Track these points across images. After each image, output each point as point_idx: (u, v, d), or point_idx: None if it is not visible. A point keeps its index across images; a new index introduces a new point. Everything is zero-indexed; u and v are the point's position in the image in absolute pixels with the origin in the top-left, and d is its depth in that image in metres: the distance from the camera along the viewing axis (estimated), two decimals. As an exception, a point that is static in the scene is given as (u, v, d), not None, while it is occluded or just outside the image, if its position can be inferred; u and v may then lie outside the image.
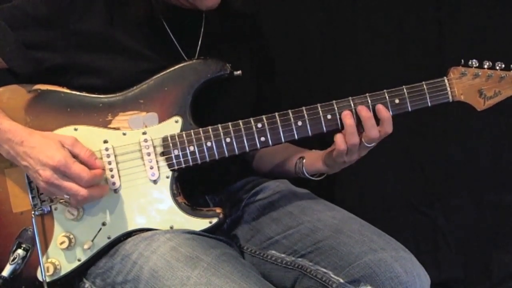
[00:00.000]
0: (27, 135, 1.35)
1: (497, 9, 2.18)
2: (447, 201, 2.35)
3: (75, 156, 1.35)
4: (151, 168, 1.43)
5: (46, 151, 1.32)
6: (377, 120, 1.45)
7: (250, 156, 1.81)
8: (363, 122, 1.44)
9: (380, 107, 1.44)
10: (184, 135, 1.44)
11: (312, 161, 1.59)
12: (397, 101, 1.46)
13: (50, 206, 1.42)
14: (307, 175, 1.60)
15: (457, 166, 2.33)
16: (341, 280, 1.37)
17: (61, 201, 1.36)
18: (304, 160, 1.60)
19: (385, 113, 1.44)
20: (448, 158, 2.33)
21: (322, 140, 1.53)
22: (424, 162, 2.33)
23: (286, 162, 1.68)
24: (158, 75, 1.47)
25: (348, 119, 1.44)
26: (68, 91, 1.46)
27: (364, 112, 1.44)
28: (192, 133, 1.44)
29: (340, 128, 1.46)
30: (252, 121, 1.45)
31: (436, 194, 2.35)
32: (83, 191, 1.32)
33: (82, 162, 1.34)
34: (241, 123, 1.44)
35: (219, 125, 1.44)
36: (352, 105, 1.45)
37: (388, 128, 1.45)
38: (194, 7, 1.51)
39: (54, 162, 1.30)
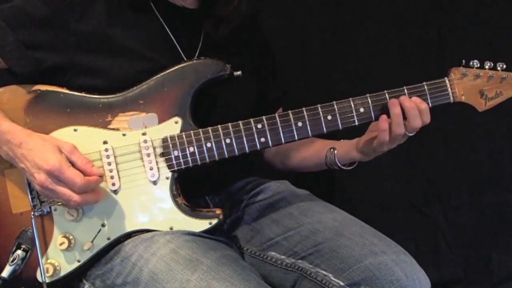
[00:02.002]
0: (26, 137, 1.34)
1: (498, 9, 2.18)
2: (447, 201, 2.35)
3: (72, 163, 1.34)
4: (151, 169, 1.43)
5: (42, 154, 1.31)
6: None
7: (270, 152, 1.82)
8: (407, 113, 1.43)
9: (415, 99, 1.45)
10: (184, 135, 1.43)
11: (345, 150, 1.59)
12: (398, 101, 1.46)
13: (50, 207, 1.41)
14: (339, 165, 1.60)
15: (457, 166, 2.33)
16: (341, 283, 1.37)
17: (58, 204, 1.36)
18: (335, 151, 1.60)
19: (421, 104, 1.44)
20: (448, 158, 2.33)
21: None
22: (424, 162, 2.33)
23: (315, 154, 1.68)
24: (158, 75, 1.46)
25: (395, 108, 1.43)
26: (67, 91, 1.45)
27: (408, 103, 1.44)
28: (192, 134, 1.43)
29: (341, 129, 1.46)
30: (252, 121, 1.44)
31: (436, 194, 2.35)
32: (75, 197, 1.31)
33: (78, 169, 1.33)
34: (241, 124, 1.44)
35: (219, 126, 1.44)
36: (353, 105, 1.45)
37: (427, 118, 1.45)
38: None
39: (48, 166, 1.29)
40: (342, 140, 1.63)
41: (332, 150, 1.61)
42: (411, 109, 1.43)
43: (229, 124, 1.44)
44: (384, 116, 1.45)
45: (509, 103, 1.52)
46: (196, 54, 1.57)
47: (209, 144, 1.44)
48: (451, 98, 1.48)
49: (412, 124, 1.43)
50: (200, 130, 1.44)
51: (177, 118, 1.45)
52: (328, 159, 1.62)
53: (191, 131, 1.44)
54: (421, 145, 2.29)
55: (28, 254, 1.40)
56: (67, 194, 1.31)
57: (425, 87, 1.46)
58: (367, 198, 2.32)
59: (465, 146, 2.32)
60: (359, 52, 2.24)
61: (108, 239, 1.41)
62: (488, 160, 2.33)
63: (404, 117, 1.44)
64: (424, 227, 2.36)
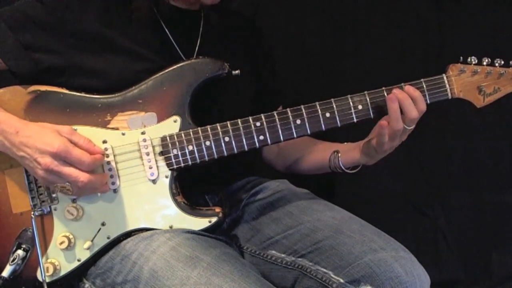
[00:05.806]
0: (22, 125, 1.35)
1: (496, 7, 2.18)
2: (447, 201, 2.35)
3: (74, 144, 1.34)
4: (150, 168, 1.43)
5: (43, 138, 1.31)
6: None
7: (272, 154, 1.82)
8: (401, 105, 1.42)
9: (408, 88, 1.44)
10: (182, 134, 1.44)
11: (348, 153, 1.58)
12: (396, 98, 1.45)
13: (50, 207, 1.42)
14: (343, 168, 1.59)
15: (457, 166, 2.34)
16: (341, 280, 1.37)
17: (63, 187, 1.34)
18: (339, 154, 1.59)
19: (414, 92, 1.43)
20: (448, 158, 2.33)
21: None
22: (424, 162, 2.34)
23: (318, 157, 1.68)
24: (157, 75, 1.47)
25: (394, 103, 1.42)
26: (67, 91, 1.46)
27: (400, 94, 1.42)
28: (191, 133, 1.44)
29: (339, 126, 1.46)
30: (250, 120, 1.44)
31: (436, 194, 2.36)
32: (83, 176, 1.31)
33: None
34: (239, 122, 1.44)
35: (218, 124, 1.44)
36: (351, 103, 1.46)
37: (422, 105, 1.44)
38: (198, 3, 1.53)
39: (53, 149, 1.29)
40: (345, 143, 1.63)
41: (336, 153, 1.60)
42: (404, 100, 1.42)
43: (228, 123, 1.44)
44: (384, 123, 1.43)
45: (509, 104, 1.53)
46: (195, 53, 1.57)
47: (208, 143, 1.44)
48: (449, 94, 1.48)
49: (408, 115, 1.42)
50: (199, 128, 1.44)
51: (176, 117, 1.45)
52: (332, 162, 1.61)
53: (190, 130, 1.44)
54: (421, 145, 2.30)
55: (28, 253, 1.41)
56: (74, 175, 1.31)
57: (423, 83, 1.46)
58: (367, 198, 2.32)
59: (465, 146, 2.32)
60: (357, 50, 2.25)
61: (108, 238, 1.41)
62: (488, 160, 2.33)
63: (401, 111, 1.43)
64: (424, 227, 2.36)
